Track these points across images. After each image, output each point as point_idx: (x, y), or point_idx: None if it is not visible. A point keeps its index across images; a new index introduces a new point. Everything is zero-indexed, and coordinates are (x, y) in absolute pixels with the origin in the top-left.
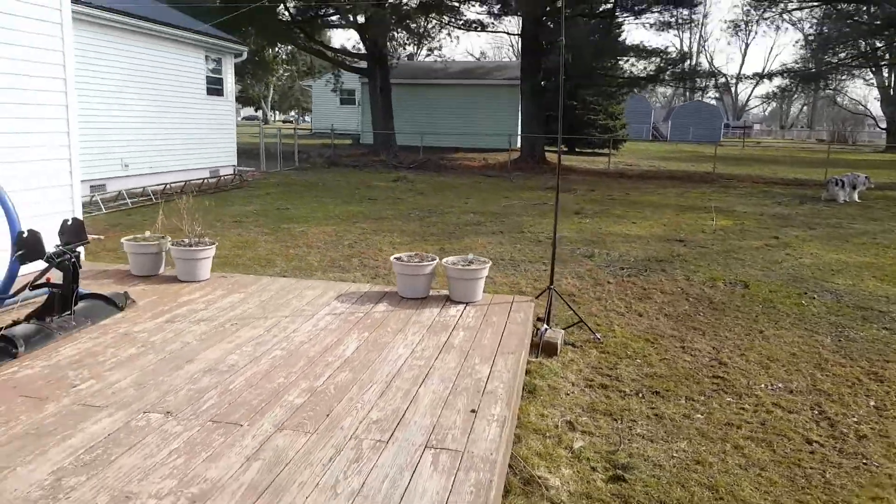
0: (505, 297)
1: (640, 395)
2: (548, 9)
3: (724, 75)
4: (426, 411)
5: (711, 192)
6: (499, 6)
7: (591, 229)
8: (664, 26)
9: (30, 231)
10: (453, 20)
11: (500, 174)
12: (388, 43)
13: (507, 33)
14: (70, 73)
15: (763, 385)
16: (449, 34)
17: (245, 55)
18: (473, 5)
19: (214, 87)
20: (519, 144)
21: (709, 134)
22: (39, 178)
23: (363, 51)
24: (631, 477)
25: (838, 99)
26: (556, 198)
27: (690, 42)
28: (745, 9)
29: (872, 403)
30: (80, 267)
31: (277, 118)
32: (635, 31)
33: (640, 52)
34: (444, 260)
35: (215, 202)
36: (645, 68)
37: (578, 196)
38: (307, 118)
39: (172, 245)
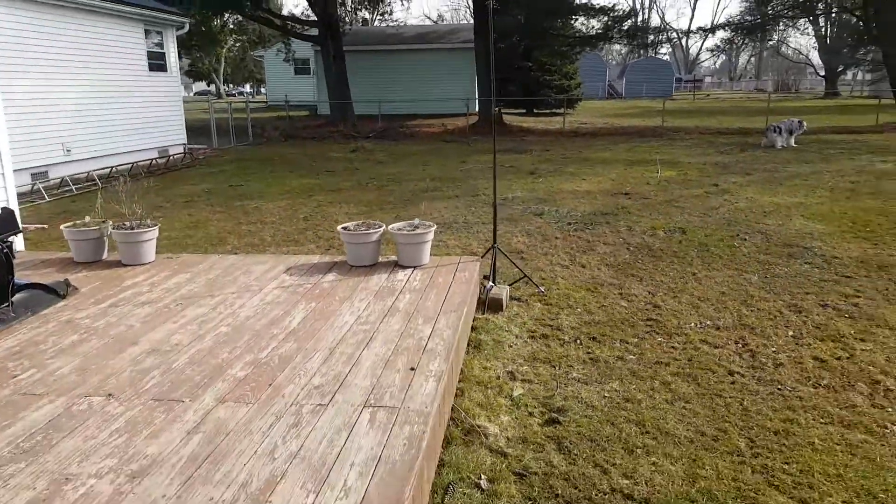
0: (452, 258)
1: (578, 341)
2: None
3: (672, 30)
4: (367, 373)
5: (659, 146)
6: None
7: (544, 188)
8: None
9: None
10: None
11: (459, 139)
12: (338, 8)
13: None
14: None
15: (693, 324)
16: None
17: (187, 27)
18: None
19: (157, 63)
20: (477, 108)
21: (662, 89)
22: None
23: (313, 17)
24: (565, 419)
25: (781, 49)
26: (493, 160)
27: None
28: None
29: (791, 333)
30: (14, 257)
31: (234, 92)
32: None
33: (589, 10)
34: (391, 226)
35: (164, 183)
36: (594, 27)
37: (534, 156)
38: (262, 90)
39: (114, 229)
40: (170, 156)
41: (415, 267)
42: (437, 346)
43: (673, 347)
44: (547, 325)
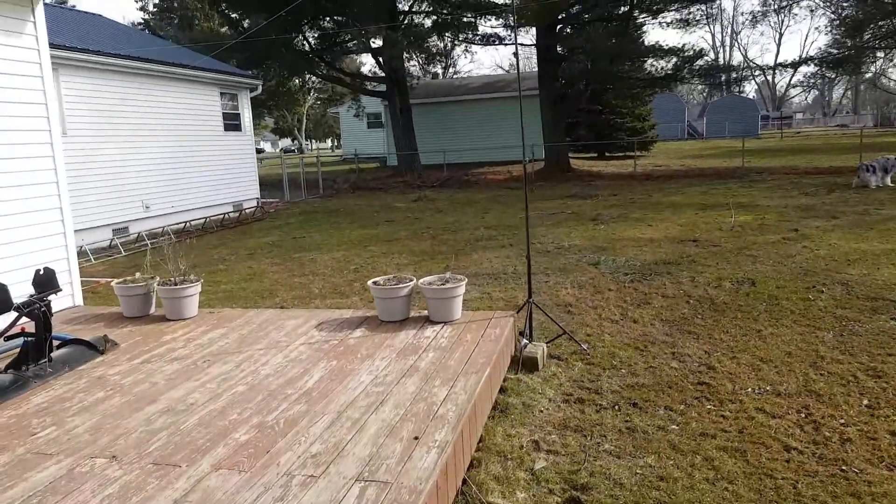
0: (485, 313)
1: (617, 407)
2: (560, 17)
3: (756, 67)
4: (369, 441)
5: (738, 188)
6: (512, 18)
7: (604, 235)
8: (682, 24)
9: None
10: (469, 37)
11: (519, 186)
12: (405, 65)
13: (522, 45)
14: (55, 126)
15: (750, 389)
16: (467, 50)
17: (260, 89)
18: (489, 20)
19: (232, 123)
20: (543, 154)
21: (746, 128)
22: (30, 230)
23: (381, 74)
24: (587, 498)
25: (880, 82)
26: (525, 210)
27: (722, 36)
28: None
29: (865, 402)
30: (51, 315)
31: (315, 146)
32: (656, 32)
33: (657, 51)
34: (421, 280)
35: (234, 236)
36: (662, 68)
37: (599, 201)
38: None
39: (158, 285)
40: (243, 209)
41: (445, 322)
42: (448, 412)
43: (723, 416)
44: (585, 388)
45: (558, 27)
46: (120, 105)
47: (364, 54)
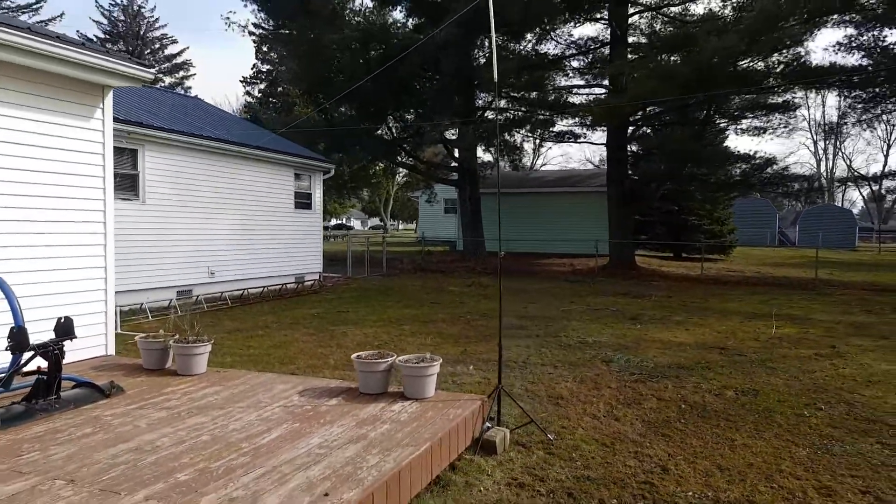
0: (457, 395)
1: (552, 495)
2: (630, 119)
3: (860, 178)
4: (286, 492)
5: (800, 299)
6: (588, 118)
7: (634, 335)
8: (758, 131)
9: (19, 328)
10: (545, 133)
11: (583, 279)
12: (476, 157)
13: (591, 143)
14: (109, 197)
15: (690, 493)
16: (541, 145)
17: (333, 171)
18: (566, 118)
19: (303, 202)
20: (608, 250)
21: (841, 239)
22: (75, 284)
23: (454, 164)
24: None
25: None
26: (499, 300)
27: (825, 145)
28: (839, 110)
29: None
30: (63, 357)
31: (402, 227)
32: (742, 139)
33: (727, 157)
34: (399, 358)
35: (286, 305)
36: (732, 175)
37: (651, 301)
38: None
39: (173, 342)
40: (303, 282)
41: (417, 399)
42: (367, 476)
43: None
44: (533, 475)
45: (630, 129)
46: (197, 179)
47: (433, 146)
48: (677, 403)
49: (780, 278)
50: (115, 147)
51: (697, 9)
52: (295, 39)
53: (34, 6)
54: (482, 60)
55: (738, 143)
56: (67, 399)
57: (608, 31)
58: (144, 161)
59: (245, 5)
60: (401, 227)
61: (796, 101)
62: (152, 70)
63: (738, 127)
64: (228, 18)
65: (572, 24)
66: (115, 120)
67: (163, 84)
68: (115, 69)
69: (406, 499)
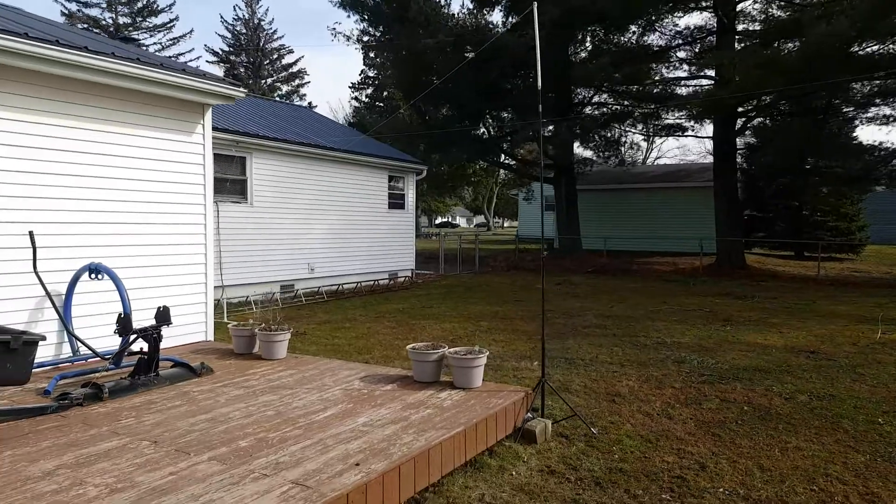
0: (502, 386)
1: (580, 482)
2: (739, 110)
3: None
4: (323, 461)
5: None
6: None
7: (720, 337)
8: (888, 120)
9: (126, 315)
10: (648, 126)
11: (684, 279)
12: (572, 153)
13: (698, 136)
14: (209, 202)
15: (721, 489)
16: (648, 139)
17: (424, 173)
18: (672, 111)
19: (396, 202)
20: (715, 248)
21: None
22: (181, 278)
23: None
24: None
25: None
26: (542, 300)
27: None
28: None
29: None
30: (161, 340)
31: (507, 224)
32: (869, 129)
33: (848, 150)
34: (450, 349)
35: (376, 300)
36: (853, 167)
37: (749, 303)
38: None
39: (258, 330)
40: (396, 278)
41: (465, 388)
42: (397, 452)
43: None
44: (567, 464)
45: (740, 120)
46: (299, 183)
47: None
48: (740, 405)
49: None
50: (225, 155)
51: None
52: (394, 46)
53: (168, 25)
54: (583, 54)
55: (866, 133)
56: (164, 376)
57: (715, 20)
58: (252, 167)
59: (348, 16)
60: (506, 224)
61: None
62: (244, 89)
63: (865, 115)
64: (335, 29)
65: (679, 13)
66: (226, 130)
67: (279, 92)
68: (210, 90)
69: (436, 475)
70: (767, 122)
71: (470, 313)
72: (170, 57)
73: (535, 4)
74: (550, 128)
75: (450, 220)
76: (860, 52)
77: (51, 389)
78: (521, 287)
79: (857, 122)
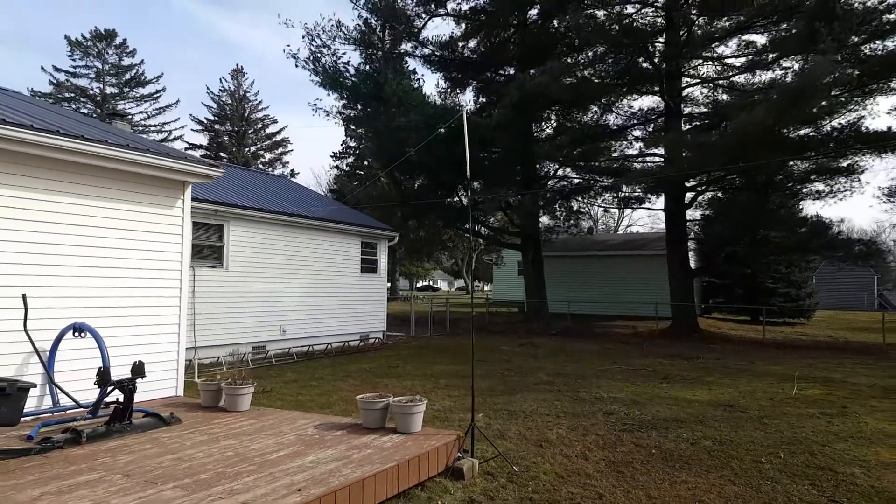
0: (438, 431)
1: None
2: (688, 184)
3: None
4: (272, 487)
5: (852, 364)
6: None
7: (653, 393)
8: (820, 195)
9: (105, 368)
10: (612, 197)
11: (639, 342)
12: (538, 223)
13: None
14: (185, 269)
15: None
16: (606, 210)
17: (396, 239)
18: (629, 185)
19: (369, 266)
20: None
21: None
22: (155, 337)
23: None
24: None
25: None
26: (471, 356)
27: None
28: None
29: None
30: (135, 391)
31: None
32: (809, 203)
33: (793, 222)
34: (394, 399)
35: (345, 361)
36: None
37: (692, 364)
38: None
39: (224, 384)
40: (367, 340)
41: (406, 433)
42: (335, 481)
43: None
44: (487, 495)
45: (690, 194)
46: (273, 248)
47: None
48: (649, 449)
49: (853, 343)
50: (204, 223)
51: (740, 78)
52: (371, 122)
53: (155, 95)
54: (548, 130)
55: (810, 207)
56: (137, 424)
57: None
58: (229, 234)
59: (328, 94)
60: (486, 287)
61: (861, 164)
62: (221, 170)
63: (804, 191)
64: (315, 105)
65: (635, 96)
66: (206, 201)
67: (263, 160)
68: (191, 170)
69: (370, 502)
70: (720, 194)
71: (432, 372)
72: (155, 126)
73: (465, 111)
74: (517, 198)
75: (431, 283)
76: (791, 135)
77: (34, 435)
78: (486, 348)
79: (799, 196)
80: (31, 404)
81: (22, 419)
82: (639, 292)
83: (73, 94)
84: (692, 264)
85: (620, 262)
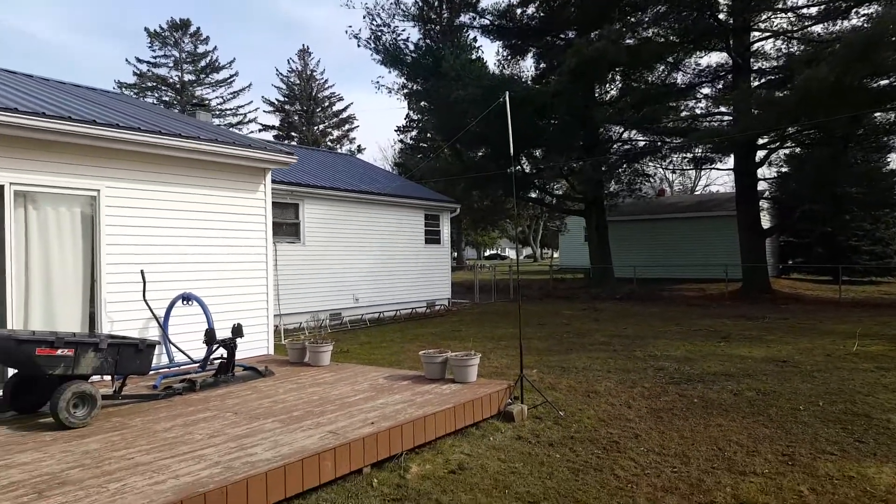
0: (490, 380)
1: (539, 444)
2: (759, 142)
3: None
4: (350, 421)
5: None
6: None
7: (708, 351)
8: None
9: (210, 329)
10: (680, 158)
11: (706, 304)
12: (602, 188)
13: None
14: (270, 245)
15: (642, 448)
16: (673, 172)
17: (458, 211)
18: (699, 145)
19: (432, 237)
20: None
21: None
22: (248, 304)
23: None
24: (461, 469)
25: None
26: (519, 316)
27: None
28: None
29: (727, 474)
30: (236, 348)
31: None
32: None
33: (874, 176)
34: (451, 354)
35: (412, 326)
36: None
37: (755, 324)
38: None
39: (308, 344)
40: (433, 307)
41: (463, 382)
42: (401, 417)
43: (597, 455)
44: (533, 434)
45: (759, 152)
46: (344, 224)
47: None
48: (691, 399)
49: None
50: (282, 203)
51: (816, 28)
52: (431, 97)
53: (229, 80)
54: (612, 93)
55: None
56: (238, 376)
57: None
58: (304, 212)
59: (389, 72)
60: (554, 255)
61: None
62: (295, 157)
63: (890, 142)
64: (377, 82)
65: (699, 54)
66: (282, 182)
67: (331, 137)
68: (270, 158)
69: (431, 436)
70: (797, 150)
71: (493, 335)
72: (231, 109)
73: (507, 94)
74: (579, 164)
75: (498, 252)
76: (871, 86)
77: (157, 385)
78: (548, 313)
79: (886, 149)
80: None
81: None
82: (709, 254)
83: (154, 84)
84: (765, 224)
85: (690, 225)
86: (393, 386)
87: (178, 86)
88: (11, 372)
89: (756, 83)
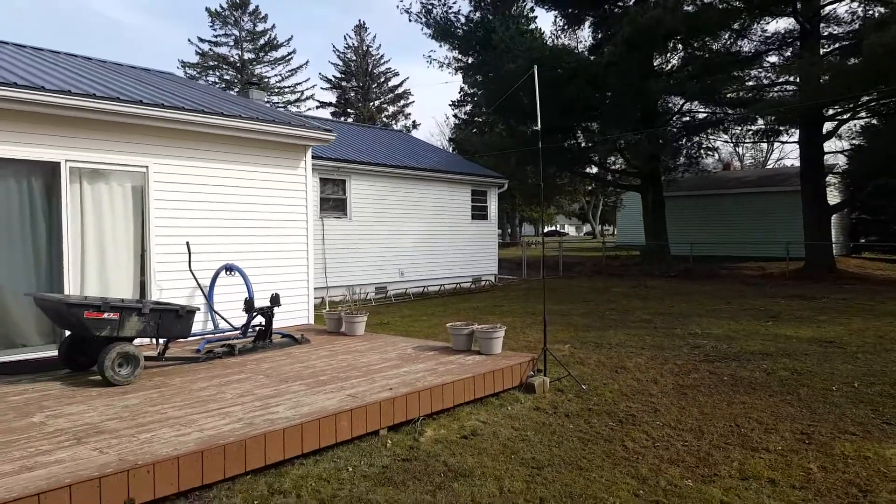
0: (514, 353)
1: (556, 415)
2: (828, 112)
3: None
4: (370, 386)
5: None
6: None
7: (752, 330)
8: None
9: (250, 298)
10: (743, 130)
11: (763, 283)
12: (656, 164)
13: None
14: (310, 220)
15: (659, 422)
16: (735, 145)
17: (506, 186)
18: (763, 116)
19: (479, 213)
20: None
21: None
22: (290, 276)
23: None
24: (473, 435)
25: None
26: (543, 293)
27: None
28: None
29: (738, 449)
30: (273, 316)
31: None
32: None
33: None
34: (478, 326)
35: (455, 301)
36: None
37: (809, 304)
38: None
39: (344, 314)
40: (479, 283)
41: (488, 354)
42: (420, 384)
43: (611, 427)
44: (553, 405)
45: (826, 124)
46: (390, 199)
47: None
48: (721, 377)
49: None
50: (329, 178)
51: None
52: (482, 70)
53: (287, 57)
54: (672, 62)
55: None
56: (276, 343)
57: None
58: (350, 187)
59: (440, 46)
60: (614, 231)
61: None
62: (333, 134)
63: None
64: (430, 56)
65: (767, 18)
66: (329, 159)
67: (386, 113)
68: (308, 135)
69: (448, 403)
70: (874, 121)
71: (535, 310)
72: (289, 87)
73: (536, 68)
74: (635, 138)
75: (557, 228)
76: None
77: (201, 349)
78: (596, 290)
79: None
80: (197, 328)
81: (192, 338)
82: (772, 232)
83: (216, 63)
84: (832, 200)
85: (754, 200)
86: (420, 356)
87: (238, 64)
88: (66, 334)
89: (826, 50)
